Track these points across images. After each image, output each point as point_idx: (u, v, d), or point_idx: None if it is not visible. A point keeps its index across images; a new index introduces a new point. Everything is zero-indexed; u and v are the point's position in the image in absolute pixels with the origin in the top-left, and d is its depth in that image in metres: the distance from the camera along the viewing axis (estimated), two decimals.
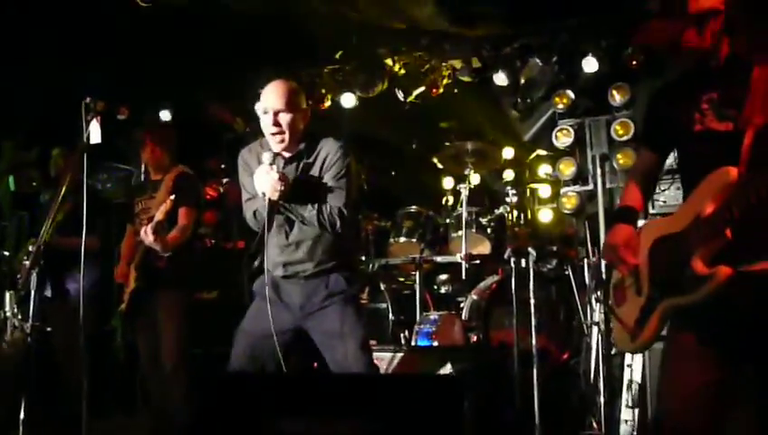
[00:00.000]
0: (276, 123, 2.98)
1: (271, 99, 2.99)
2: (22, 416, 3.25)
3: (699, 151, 2.12)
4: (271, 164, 2.92)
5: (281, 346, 2.92)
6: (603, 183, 5.55)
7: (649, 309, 2.14)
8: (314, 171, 3.05)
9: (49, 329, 4.29)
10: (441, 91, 6.29)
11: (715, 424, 2.04)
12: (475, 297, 4.94)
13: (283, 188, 2.89)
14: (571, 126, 5.96)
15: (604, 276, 3.85)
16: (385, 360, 4.27)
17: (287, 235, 3.05)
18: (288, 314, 3.05)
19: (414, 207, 5.49)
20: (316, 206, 2.95)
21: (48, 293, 4.30)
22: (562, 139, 5.97)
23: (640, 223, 2.40)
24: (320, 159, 3.05)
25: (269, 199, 2.90)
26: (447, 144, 5.55)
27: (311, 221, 2.98)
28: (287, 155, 3.07)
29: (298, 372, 2.93)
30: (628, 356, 4.00)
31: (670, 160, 3.99)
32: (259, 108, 3.05)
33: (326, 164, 3.03)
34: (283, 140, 3.02)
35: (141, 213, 4.00)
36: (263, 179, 2.91)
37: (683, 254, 2.03)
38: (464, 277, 5.03)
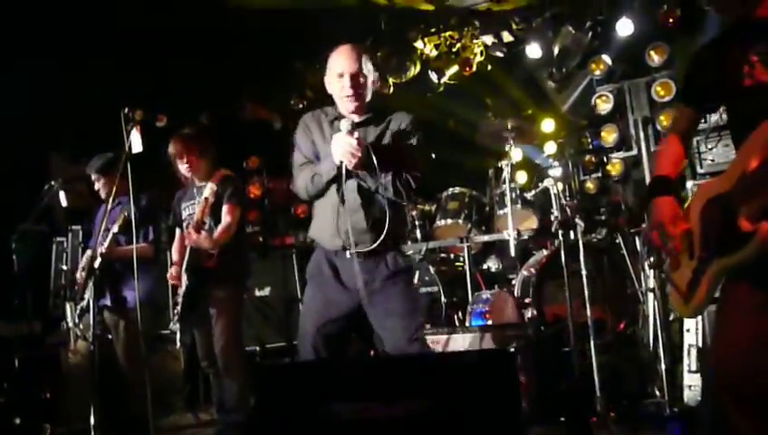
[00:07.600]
0: (354, 85, 2.92)
1: (346, 62, 2.93)
2: (92, 421, 3.38)
3: (749, 107, 2.04)
4: (349, 131, 2.81)
5: (344, 330, 2.92)
6: (648, 147, 5.42)
7: (701, 271, 2.09)
8: (386, 139, 2.96)
9: (110, 336, 4.44)
10: (474, 69, 6.24)
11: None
12: (525, 273, 4.89)
13: (360, 154, 2.78)
14: (609, 92, 5.83)
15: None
16: (440, 343, 4.27)
17: (344, 203, 2.87)
18: (347, 296, 2.92)
19: (457, 188, 5.46)
20: (390, 173, 2.82)
21: (107, 302, 4.41)
22: (602, 105, 5.84)
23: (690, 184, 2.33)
24: (391, 129, 2.98)
25: (345, 167, 2.80)
26: (486, 122, 5.50)
27: (386, 187, 2.85)
28: (357, 120, 2.96)
29: (351, 357, 2.89)
30: (687, 321, 3.91)
31: (716, 117, 3.91)
32: (332, 72, 2.97)
33: (399, 134, 2.94)
34: (358, 103, 2.95)
35: (188, 218, 4.08)
36: (340, 145, 2.81)
37: (732, 212, 1.97)
38: (513, 254, 4.98)
